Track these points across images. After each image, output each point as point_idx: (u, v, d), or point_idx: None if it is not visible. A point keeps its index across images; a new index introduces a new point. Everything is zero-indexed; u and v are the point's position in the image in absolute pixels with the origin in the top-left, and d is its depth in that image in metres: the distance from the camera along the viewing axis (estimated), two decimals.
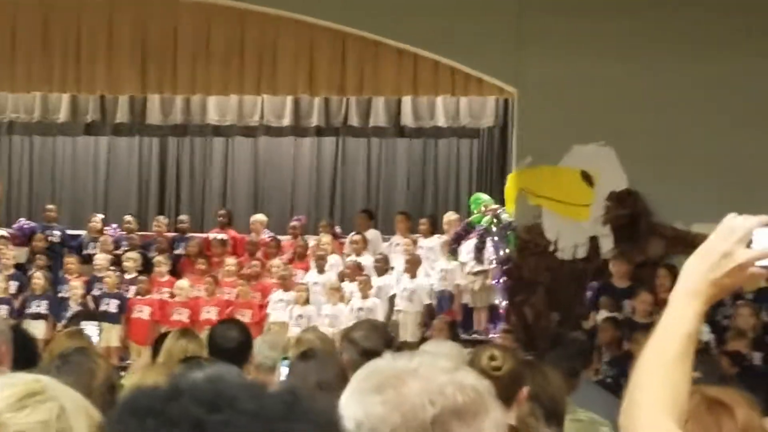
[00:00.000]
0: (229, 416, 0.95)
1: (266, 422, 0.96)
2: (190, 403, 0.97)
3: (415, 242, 12.24)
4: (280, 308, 11.54)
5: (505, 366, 3.38)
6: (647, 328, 7.13)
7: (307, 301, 11.38)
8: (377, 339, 4.42)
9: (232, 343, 4.77)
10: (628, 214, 10.44)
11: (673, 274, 9.81)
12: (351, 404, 1.54)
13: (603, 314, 9.37)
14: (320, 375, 3.49)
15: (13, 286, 12.13)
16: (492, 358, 3.36)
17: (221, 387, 0.99)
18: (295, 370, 3.48)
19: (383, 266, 11.87)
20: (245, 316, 11.34)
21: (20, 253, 13.00)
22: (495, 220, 11.01)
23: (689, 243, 10.20)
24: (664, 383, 1.62)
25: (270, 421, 0.96)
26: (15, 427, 1.41)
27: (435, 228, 12.66)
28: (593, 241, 10.53)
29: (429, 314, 11.63)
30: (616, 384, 7.91)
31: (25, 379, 1.50)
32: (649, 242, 10.43)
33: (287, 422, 0.96)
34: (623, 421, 1.66)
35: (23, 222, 13.81)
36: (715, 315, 8.93)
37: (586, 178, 10.63)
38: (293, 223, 13.29)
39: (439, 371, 1.60)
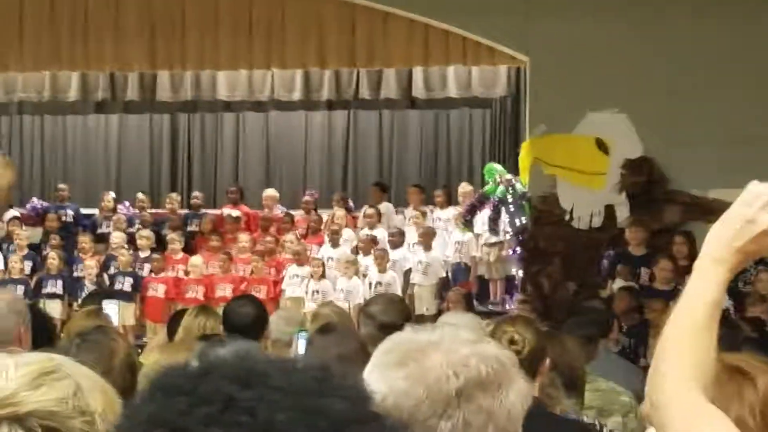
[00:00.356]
0: (260, 392, 0.95)
1: (297, 397, 0.95)
2: (221, 380, 0.96)
3: (424, 214, 12.20)
4: (295, 283, 11.54)
5: (526, 347, 3.35)
6: (665, 295, 7.12)
7: (322, 276, 11.37)
8: (395, 313, 4.39)
9: (247, 318, 4.77)
10: (644, 182, 10.36)
11: (690, 240, 9.76)
12: (374, 379, 1.52)
13: (619, 283, 9.31)
14: (340, 348, 3.46)
15: (28, 266, 12.16)
16: (512, 342, 3.33)
17: (252, 364, 0.98)
18: (315, 344, 3.46)
19: (398, 239, 11.84)
20: (260, 292, 11.34)
21: (34, 233, 13.03)
22: (510, 191, 10.95)
23: (706, 209, 10.14)
24: (690, 353, 1.59)
25: (301, 397, 0.95)
26: (32, 405, 1.39)
27: (450, 199, 12.61)
28: (609, 209, 10.46)
29: (444, 287, 11.61)
30: (633, 352, 7.88)
31: (38, 358, 1.49)
32: (665, 209, 10.36)
33: (319, 397, 0.96)
34: (649, 391, 1.62)
35: (36, 202, 13.84)
36: (735, 281, 8.86)
37: (601, 145, 10.54)
38: (306, 198, 13.27)
39: (462, 343, 1.58)
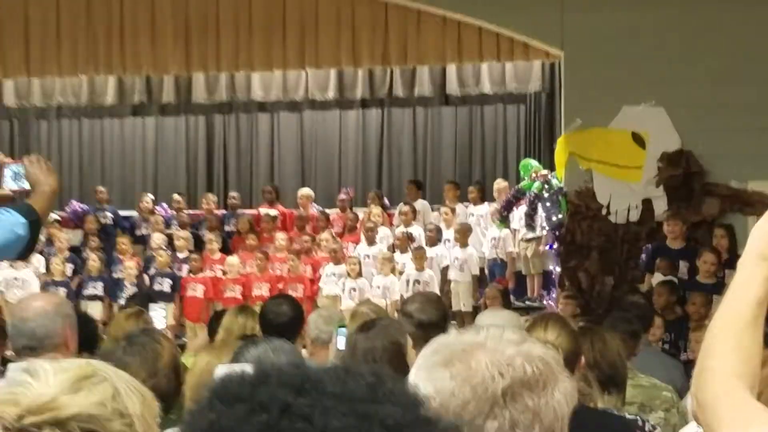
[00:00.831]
0: (315, 399, 0.97)
1: (351, 404, 0.97)
2: (278, 388, 0.99)
3: (453, 210, 12.18)
4: (331, 282, 11.58)
5: (560, 350, 3.34)
6: (707, 289, 7.05)
7: (359, 274, 11.40)
8: (432, 311, 4.39)
9: (284, 318, 4.81)
10: (682, 174, 10.27)
11: (730, 233, 9.66)
12: (419, 380, 1.53)
13: (658, 277, 9.23)
14: (384, 342, 3.46)
15: (69, 268, 12.32)
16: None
17: (307, 371, 1.01)
18: (357, 341, 3.47)
19: (434, 236, 11.84)
20: (297, 291, 11.41)
21: (74, 236, 13.20)
22: (546, 186, 10.90)
23: (745, 201, 10.04)
24: (736, 350, 1.59)
25: (355, 403, 0.98)
26: (72, 408, 1.43)
27: (484, 195, 12.59)
28: (646, 203, 10.38)
29: (481, 283, 11.59)
30: (674, 347, 7.82)
31: (76, 363, 1.53)
32: (703, 202, 10.26)
33: (372, 403, 0.98)
34: (695, 389, 1.62)
35: (75, 204, 14.00)
36: None
37: (637, 139, 10.46)
38: (341, 196, 13.31)
39: (507, 343, 1.59)
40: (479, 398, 1.49)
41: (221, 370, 2.79)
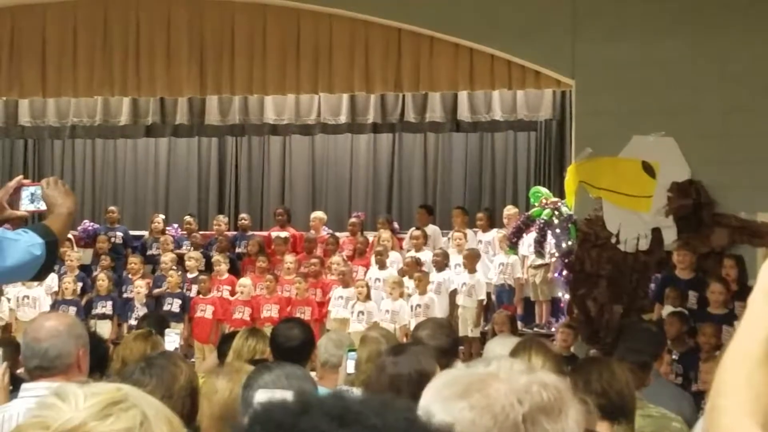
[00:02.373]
0: (356, 431, 0.99)
1: None
2: (320, 418, 1.01)
3: (465, 235, 12.20)
4: (339, 305, 11.59)
5: None
6: (717, 319, 7.00)
7: (368, 297, 11.41)
8: (443, 337, 4.43)
9: (295, 342, 4.82)
10: (691, 204, 10.28)
11: (740, 264, 9.65)
12: (436, 411, 1.55)
13: (669, 308, 9.21)
14: (415, 366, 3.47)
15: (78, 287, 12.36)
16: None
17: (347, 402, 1.03)
18: (386, 365, 3.47)
19: (442, 261, 11.85)
20: (305, 314, 11.43)
21: (85, 255, 13.25)
22: (555, 213, 10.92)
23: (754, 232, 10.04)
24: (746, 388, 1.59)
25: None
26: None
27: (492, 222, 12.61)
28: (656, 232, 10.39)
29: (488, 309, 11.59)
30: (684, 378, 7.80)
31: (107, 388, 1.53)
32: (712, 232, 10.25)
33: None
34: (707, 426, 1.63)
35: (87, 224, 14.07)
36: None
37: (647, 168, 10.48)
38: (352, 220, 13.34)
39: (519, 373, 1.62)
40: (501, 426, 1.52)
41: (262, 395, 2.80)
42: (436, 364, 3.47)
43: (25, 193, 3.17)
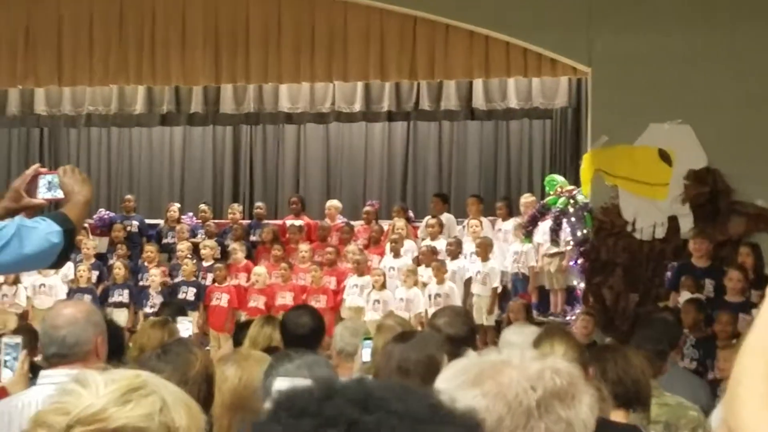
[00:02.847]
0: (380, 417, 1.00)
1: (414, 423, 1.00)
2: (345, 404, 1.02)
3: (481, 223, 12.19)
4: (354, 293, 11.61)
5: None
6: (734, 307, 6.98)
7: (383, 286, 11.42)
8: (460, 325, 4.43)
9: (305, 329, 4.83)
10: (708, 193, 10.23)
11: (756, 252, 9.60)
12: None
13: (685, 295, 9.18)
14: (419, 355, 3.47)
15: (94, 275, 12.42)
16: None
17: (370, 388, 1.04)
18: (393, 352, 3.47)
19: (456, 250, 11.85)
20: (320, 302, 11.45)
21: (101, 243, 13.31)
22: (571, 201, 10.89)
23: None
24: (765, 378, 1.58)
25: (418, 423, 1.01)
26: (120, 420, 1.46)
27: (511, 210, 12.59)
28: (672, 220, 10.34)
29: (503, 297, 11.59)
30: (701, 366, 7.78)
31: (126, 375, 1.56)
32: (729, 221, 10.20)
33: (434, 424, 1.01)
34: (726, 417, 1.62)
35: (103, 212, 14.12)
36: None
37: (664, 156, 10.43)
38: (366, 208, 13.34)
39: (531, 359, 1.63)
40: (514, 412, 1.52)
41: (282, 383, 2.80)
42: (443, 352, 3.48)
43: (42, 182, 3.18)
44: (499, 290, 11.59)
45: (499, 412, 1.53)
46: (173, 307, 7.06)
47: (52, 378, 3.23)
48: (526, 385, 1.55)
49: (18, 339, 3.85)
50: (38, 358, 4.15)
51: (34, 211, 3.16)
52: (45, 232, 2.94)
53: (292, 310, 5.46)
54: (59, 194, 3.16)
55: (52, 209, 3.28)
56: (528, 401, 1.53)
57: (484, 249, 11.58)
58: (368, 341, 4.59)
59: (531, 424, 1.51)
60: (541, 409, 1.52)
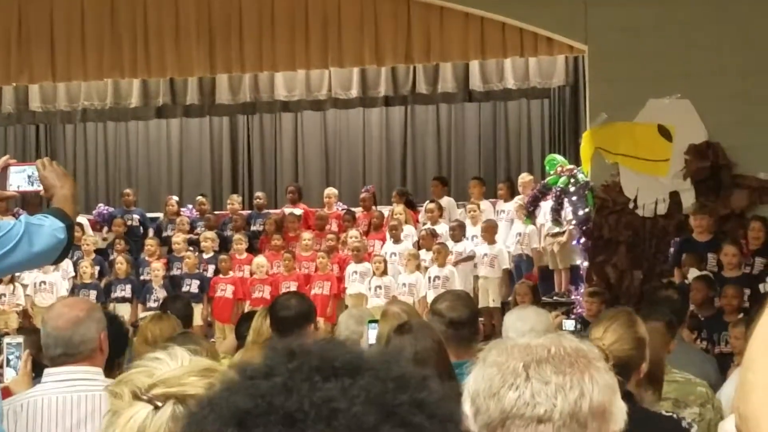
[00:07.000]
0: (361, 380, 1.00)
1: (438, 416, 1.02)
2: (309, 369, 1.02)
3: (479, 206, 12.17)
4: (355, 280, 11.58)
5: (609, 359, 3.30)
6: (734, 281, 6.95)
7: (384, 272, 11.39)
8: (463, 308, 4.38)
9: (291, 311, 4.84)
10: (709, 167, 10.18)
11: (767, 225, 9.58)
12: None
13: (693, 272, 9.12)
14: (417, 347, 3.46)
15: (96, 270, 12.38)
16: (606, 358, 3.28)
17: (404, 367, 1.04)
18: (393, 343, 3.46)
19: (458, 233, 11.82)
20: (324, 289, 11.43)
21: (99, 238, 13.27)
22: (572, 180, 10.85)
23: None
24: None
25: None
26: (198, 389, 1.58)
27: (513, 191, 12.56)
28: (674, 196, 10.31)
29: (510, 279, 11.57)
30: (709, 341, 7.76)
31: (206, 360, 1.73)
32: (731, 194, 10.16)
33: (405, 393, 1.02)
34: (736, 402, 1.61)
35: (102, 207, 14.09)
36: None
37: (664, 132, 10.38)
38: (362, 195, 13.30)
39: (534, 337, 1.66)
40: (504, 373, 1.58)
41: None
42: (439, 342, 3.48)
43: (18, 174, 3.18)
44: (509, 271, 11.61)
45: (492, 374, 1.58)
46: (180, 301, 7.04)
47: (58, 376, 3.22)
48: (521, 352, 1.60)
49: (20, 338, 3.85)
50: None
51: (34, 208, 3.16)
52: (51, 228, 2.97)
53: (281, 295, 5.56)
54: (38, 187, 3.16)
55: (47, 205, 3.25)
56: (515, 364, 1.57)
57: (490, 232, 11.56)
58: (374, 323, 4.56)
59: (518, 383, 1.55)
60: (530, 370, 1.55)
